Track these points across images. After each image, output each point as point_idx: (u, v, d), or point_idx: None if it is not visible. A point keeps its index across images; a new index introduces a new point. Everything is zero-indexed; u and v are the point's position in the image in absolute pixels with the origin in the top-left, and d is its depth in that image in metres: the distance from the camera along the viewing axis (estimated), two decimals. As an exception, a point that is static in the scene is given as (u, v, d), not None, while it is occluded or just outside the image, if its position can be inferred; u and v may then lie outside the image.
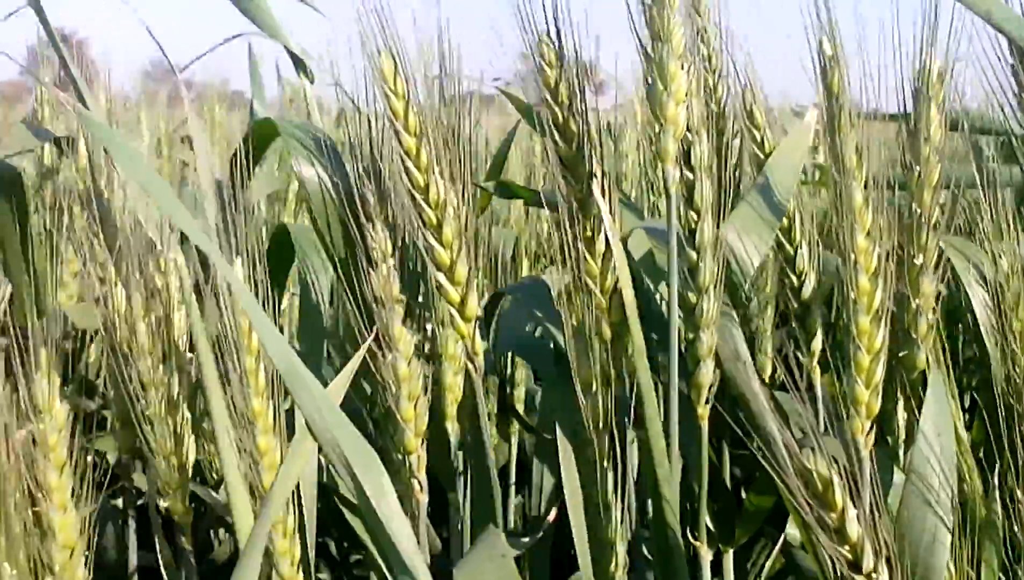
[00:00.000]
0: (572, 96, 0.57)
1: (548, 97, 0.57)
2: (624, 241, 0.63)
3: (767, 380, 0.69)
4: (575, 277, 0.58)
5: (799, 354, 0.67)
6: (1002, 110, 0.67)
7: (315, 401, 0.52)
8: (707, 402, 0.58)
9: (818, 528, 0.45)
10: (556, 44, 0.57)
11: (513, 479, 0.87)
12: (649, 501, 0.62)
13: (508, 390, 0.81)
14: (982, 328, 0.65)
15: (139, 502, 0.73)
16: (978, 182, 0.62)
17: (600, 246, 0.58)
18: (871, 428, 0.55)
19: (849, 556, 0.45)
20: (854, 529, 0.44)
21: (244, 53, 1.37)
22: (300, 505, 0.56)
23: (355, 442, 0.52)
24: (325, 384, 0.53)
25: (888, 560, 0.45)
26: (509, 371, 0.81)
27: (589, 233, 0.58)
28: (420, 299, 0.64)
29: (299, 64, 0.89)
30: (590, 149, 0.57)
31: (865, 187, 0.52)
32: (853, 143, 0.53)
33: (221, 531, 0.85)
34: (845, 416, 0.54)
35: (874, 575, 0.45)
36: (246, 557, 0.50)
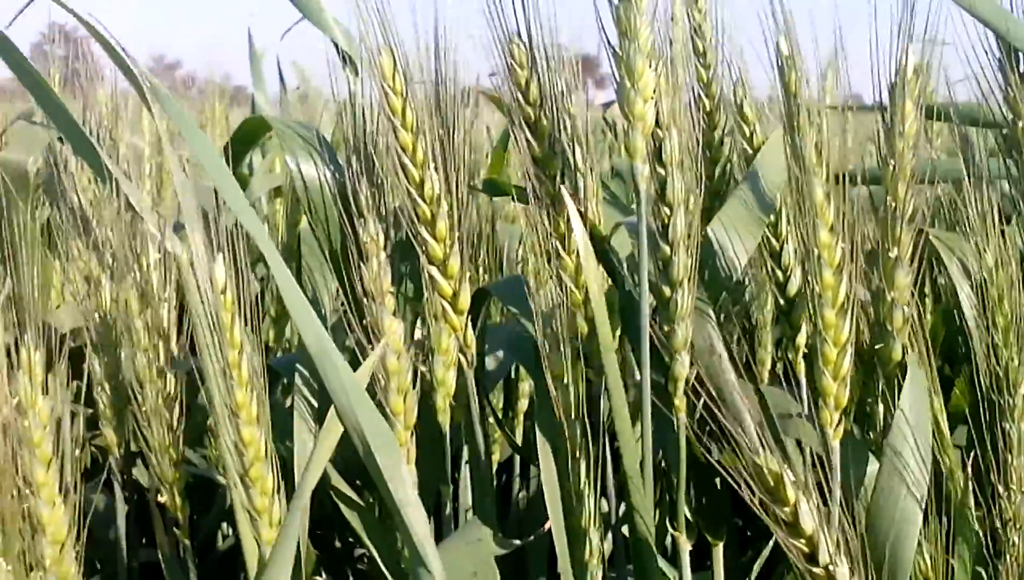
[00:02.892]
0: (544, 96, 0.58)
1: (520, 97, 0.58)
2: (608, 238, 0.64)
3: (767, 375, 0.69)
4: (550, 272, 0.58)
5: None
6: (986, 101, 0.67)
7: (343, 384, 0.53)
8: (684, 394, 0.59)
9: (773, 523, 0.46)
10: (527, 44, 0.58)
11: (518, 472, 0.89)
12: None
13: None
14: (968, 322, 0.65)
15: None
16: (964, 175, 0.62)
17: (575, 243, 0.59)
18: (840, 420, 0.55)
19: (805, 549, 0.46)
20: (808, 523, 0.45)
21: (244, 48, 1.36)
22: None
23: (378, 425, 0.53)
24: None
25: (849, 551, 0.46)
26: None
27: (563, 230, 0.58)
28: (410, 293, 0.65)
29: (346, 59, 0.86)
30: (562, 148, 0.58)
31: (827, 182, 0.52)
32: (813, 141, 0.54)
33: (225, 526, 0.87)
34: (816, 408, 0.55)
35: (831, 567, 0.46)
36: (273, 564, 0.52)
